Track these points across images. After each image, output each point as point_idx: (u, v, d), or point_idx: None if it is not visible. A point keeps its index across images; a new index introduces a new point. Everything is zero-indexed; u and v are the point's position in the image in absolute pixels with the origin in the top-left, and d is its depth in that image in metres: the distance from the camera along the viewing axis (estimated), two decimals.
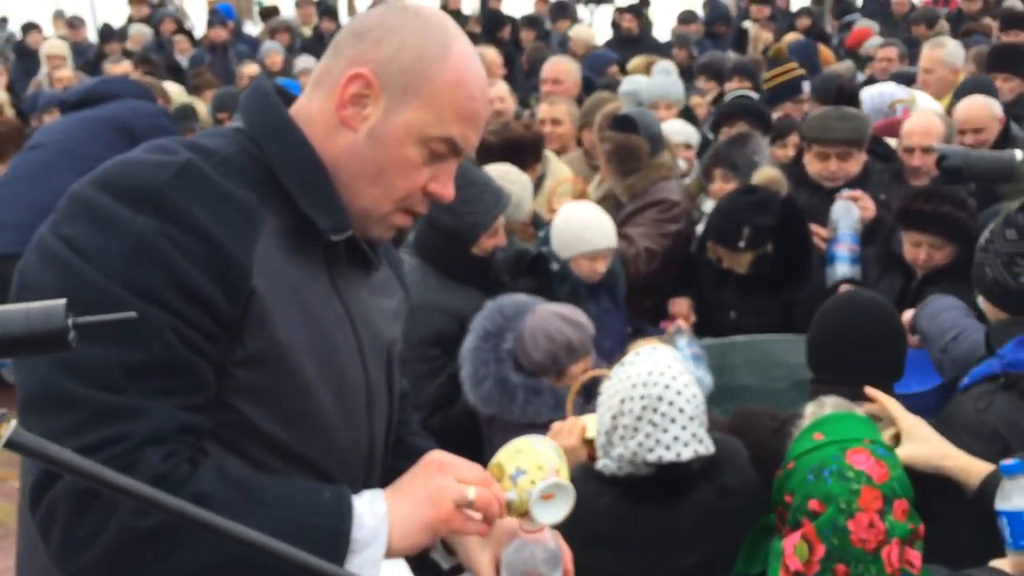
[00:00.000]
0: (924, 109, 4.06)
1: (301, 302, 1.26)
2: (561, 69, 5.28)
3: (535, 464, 1.32)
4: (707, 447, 1.97)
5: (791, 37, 8.37)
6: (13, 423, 0.85)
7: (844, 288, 3.31)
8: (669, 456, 1.93)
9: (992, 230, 2.22)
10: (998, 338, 2.14)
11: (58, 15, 12.14)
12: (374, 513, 1.20)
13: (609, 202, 3.78)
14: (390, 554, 1.19)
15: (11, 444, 0.84)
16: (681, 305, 3.57)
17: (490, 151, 3.77)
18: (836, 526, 1.73)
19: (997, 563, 1.72)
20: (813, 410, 1.94)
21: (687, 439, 1.93)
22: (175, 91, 6.26)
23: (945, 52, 5.20)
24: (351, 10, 22.12)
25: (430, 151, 1.30)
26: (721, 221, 3.44)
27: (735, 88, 5.69)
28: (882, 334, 2.18)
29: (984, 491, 1.79)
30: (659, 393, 1.93)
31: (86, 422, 1.09)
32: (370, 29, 1.28)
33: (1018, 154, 2.85)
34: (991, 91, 4.52)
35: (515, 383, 2.62)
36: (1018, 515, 1.68)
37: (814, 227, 3.52)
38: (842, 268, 3.45)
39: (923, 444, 1.86)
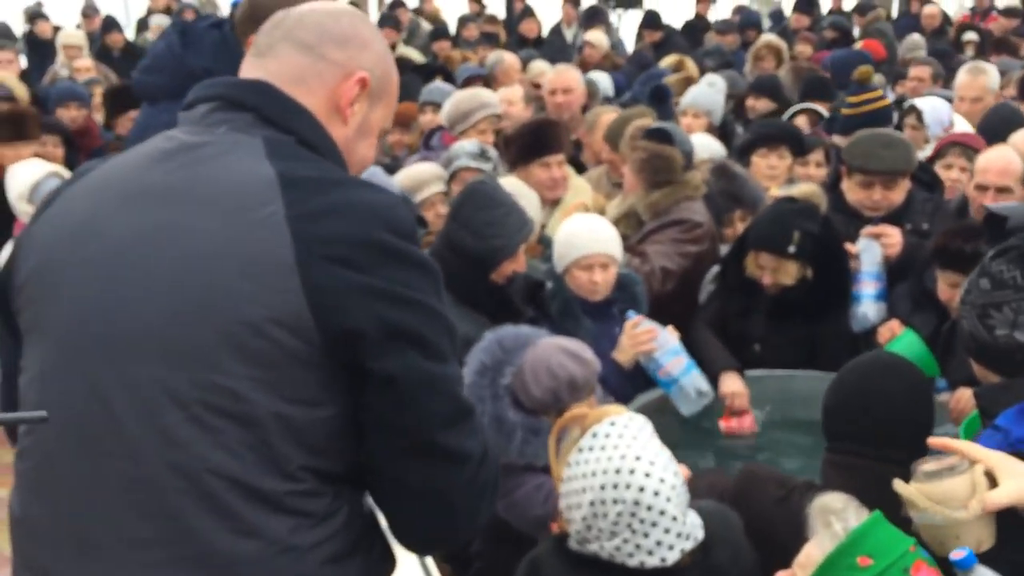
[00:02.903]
0: (1001, 145, 3.67)
1: None
2: (570, 77, 5.06)
3: None
4: (695, 537, 1.77)
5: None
6: None
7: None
8: (652, 562, 1.74)
9: (969, 280, 2.02)
10: (990, 403, 1.92)
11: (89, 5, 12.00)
12: None
13: (631, 220, 3.61)
14: None
15: None
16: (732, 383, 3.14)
17: (518, 147, 3.66)
18: None
19: None
20: (837, 527, 1.65)
21: (672, 541, 1.74)
22: None
23: (989, 79, 4.96)
24: (380, 4, 22.36)
25: (378, 138, 1.59)
26: (768, 227, 3.22)
27: (756, 106, 5.49)
28: (910, 402, 1.97)
29: None
30: (635, 497, 1.72)
31: (475, 423, 1.38)
32: (350, 37, 1.47)
33: None
34: (1018, 121, 4.27)
35: (513, 422, 2.44)
36: None
37: (846, 245, 3.33)
38: (865, 307, 3.26)
39: None
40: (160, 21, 10.65)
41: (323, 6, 1.51)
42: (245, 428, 1.25)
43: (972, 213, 3.46)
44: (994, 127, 4.17)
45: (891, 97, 6.25)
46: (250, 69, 1.46)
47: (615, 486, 1.73)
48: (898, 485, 1.60)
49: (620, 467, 1.74)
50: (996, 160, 3.44)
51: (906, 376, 2.01)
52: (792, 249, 3.12)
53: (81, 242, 1.34)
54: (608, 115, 4.44)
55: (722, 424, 3.03)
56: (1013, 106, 4.68)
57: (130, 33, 11.35)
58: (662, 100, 5.29)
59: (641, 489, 1.72)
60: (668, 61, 6.59)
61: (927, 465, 1.60)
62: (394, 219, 1.31)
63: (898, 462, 1.90)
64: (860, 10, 10.78)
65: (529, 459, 2.43)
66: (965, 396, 2.85)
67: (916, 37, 9.24)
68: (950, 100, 5.32)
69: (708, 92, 5.01)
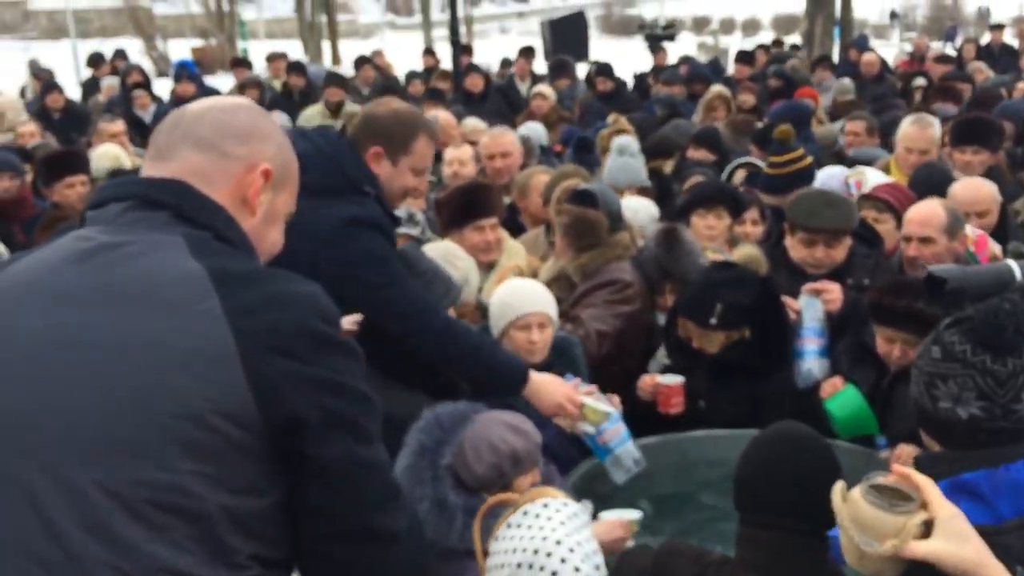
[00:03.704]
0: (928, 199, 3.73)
1: None
2: (507, 141, 5.03)
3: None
4: None
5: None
6: None
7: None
8: None
9: (924, 344, 2.02)
10: (927, 471, 1.90)
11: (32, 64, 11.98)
12: None
13: (562, 282, 3.59)
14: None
15: None
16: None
17: (451, 210, 3.65)
18: None
19: None
20: None
21: None
22: (113, 153, 5.87)
23: (935, 131, 4.98)
24: (335, 60, 22.50)
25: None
26: (692, 297, 3.24)
27: (695, 156, 5.54)
28: (815, 475, 1.95)
29: None
30: None
31: (403, 501, 1.47)
32: (250, 131, 1.51)
33: (1012, 265, 2.61)
34: (948, 179, 4.31)
35: (454, 504, 2.35)
36: None
37: (785, 300, 3.34)
38: (809, 363, 3.26)
39: (961, 543, 1.50)
40: (112, 83, 10.65)
41: (218, 102, 1.56)
42: (193, 523, 1.26)
43: (905, 266, 3.52)
44: (922, 185, 4.21)
45: (841, 142, 6.35)
46: (152, 172, 1.47)
47: (530, 567, 1.73)
48: (836, 490, 1.57)
49: (539, 548, 1.74)
50: (918, 211, 3.54)
51: (811, 449, 2.01)
52: (713, 321, 3.14)
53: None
54: (541, 176, 4.45)
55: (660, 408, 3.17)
56: (942, 166, 4.70)
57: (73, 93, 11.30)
58: (587, 151, 5.30)
59: (554, 574, 1.72)
60: (611, 120, 6.66)
61: (880, 479, 1.57)
62: (322, 308, 1.37)
63: (807, 533, 1.93)
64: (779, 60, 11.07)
65: (470, 544, 2.32)
66: (906, 452, 2.85)
67: (847, 81, 9.49)
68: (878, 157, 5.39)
69: (621, 163, 4.87)
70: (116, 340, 1.28)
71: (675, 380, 3.16)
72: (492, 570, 1.83)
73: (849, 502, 1.54)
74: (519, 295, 2.99)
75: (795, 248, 3.62)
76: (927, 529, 1.51)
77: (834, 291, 3.39)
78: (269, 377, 1.28)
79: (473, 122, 6.52)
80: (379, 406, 1.43)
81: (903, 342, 2.99)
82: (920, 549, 1.48)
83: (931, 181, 4.25)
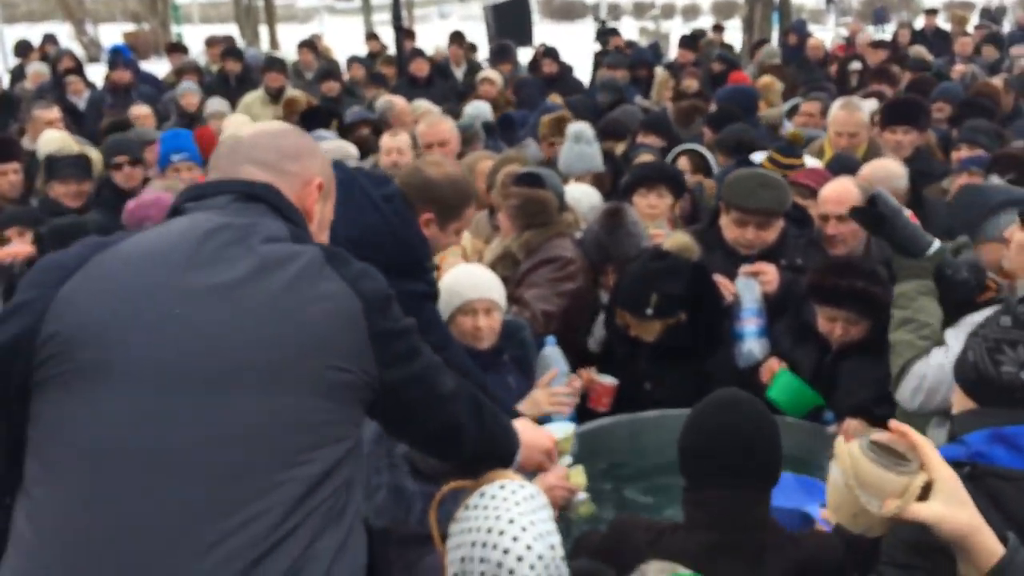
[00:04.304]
0: (840, 177, 3.87)
1: None
2: (443, 129, 4.95)
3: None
4: None
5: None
6: None
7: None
8: None
9: (988, 316, 2.07)
10: (963, 427, 1.95)
11: None
12: None
13: (507, 261, 3.60)
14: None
15: None
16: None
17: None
18: None
19: None
20: None
21: None
22: (58, 137, 5.74)
23: (864, 115, 5.09)
24: (273, 44, 22.11)
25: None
26: (628, 289, 3.30)
27: (646, 143, 5.58)
28: (753, 436, 2.05)
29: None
30: (499, 559, 1.75)
31: (443, 367, 1.82)
32: (300, 150, 1.79)
33: (935, 240, 2.71)
34: (858, 165, 4.42)
35: (412, 492, 2.36)
36: None
37: (721, 281, 3.40)
38: (749, 344, 3.33)
39: (959, 508, 1.48)
40: (38, 69, 10.32)
41: (266, 128, 1.84)
42: (331, 447, 1.53)
43: (823, 242, 3.63)
44: (840, 172, 4.31)
45: (788, 127, 6.46)
46: None
47: (484, 545, 1.77)
48: (839, 444, 1.55)
49: (492, 527, 1.77)
50: (832, 190, 3.65)
51: (747, 411, 2.09)
52: (649, 312, 3.22)
53: (157, 300, 1.50)
54: (485, 162, 4.44)
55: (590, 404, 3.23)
56: (852, 156, 4.79)
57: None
58: (511, 128, 5.25)
59: (506, 552, 1.75)
60: (552, 100, 6.73)
61: (879, 436, 1.53)
62: (379, 275, 1.67)
63: (751, 489, 2.02)
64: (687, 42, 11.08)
65: (429, 529, 2.36)
66: (852, 426, 2.93)
67: (774, 46, 9.66)
68: None
69: (578, 151, 4.83)
70: (269, 297, 1.52)
71: (610, 381, 3.23)
72: (451, 551, 1.86)
73: (851, 464, 1.50)
74: (465, 281, 2.97)
75: (728, 228, 3.67)
76: (925, 491, 1.48)
77: (770, 272, 3.45)
78: (378, 332, 1.61)
79: (425, 104, 6.49)
80: (413, 319, 1.74)
81: (845, 320, 3.06)
82: (922, 511, 1.47)
83: (845, 167, 4.36)
